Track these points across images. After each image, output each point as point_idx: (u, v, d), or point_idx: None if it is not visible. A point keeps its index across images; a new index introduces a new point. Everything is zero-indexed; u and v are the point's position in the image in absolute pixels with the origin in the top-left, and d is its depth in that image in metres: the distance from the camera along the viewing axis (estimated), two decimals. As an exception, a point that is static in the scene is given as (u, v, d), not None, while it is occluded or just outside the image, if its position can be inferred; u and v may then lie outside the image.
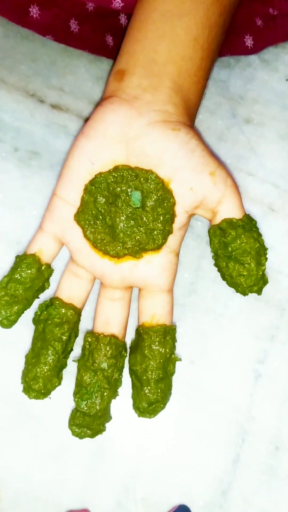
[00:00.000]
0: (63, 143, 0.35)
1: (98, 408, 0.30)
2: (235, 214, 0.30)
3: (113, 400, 0.31)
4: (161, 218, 0.30)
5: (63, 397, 0.32)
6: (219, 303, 0.34)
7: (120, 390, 0.31)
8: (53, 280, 0.32)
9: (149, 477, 0.33)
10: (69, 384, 0.31)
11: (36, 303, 0.32)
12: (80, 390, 0.30)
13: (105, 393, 0.30)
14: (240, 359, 0.34)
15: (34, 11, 0.32)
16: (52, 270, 0.32)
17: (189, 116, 0.31)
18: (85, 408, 0.30)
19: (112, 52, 0.36)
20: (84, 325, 0.33)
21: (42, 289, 0.31)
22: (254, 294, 0.34)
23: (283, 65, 0.37)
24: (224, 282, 0.31)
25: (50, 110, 0.36)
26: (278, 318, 0.34)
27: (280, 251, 0.35)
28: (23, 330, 0.32)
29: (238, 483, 0.33)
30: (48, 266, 0.31)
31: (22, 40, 0.37)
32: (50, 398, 0.30)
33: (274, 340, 0.34)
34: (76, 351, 0.32)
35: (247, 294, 0.30)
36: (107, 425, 0.31)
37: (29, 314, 0.32)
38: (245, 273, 0.29)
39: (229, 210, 0.30)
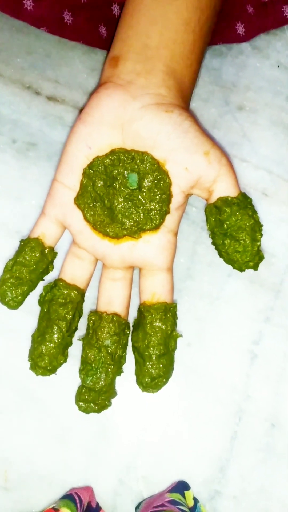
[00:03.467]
0: (59, 134, 0.36)
1: (103, 383, 0.30)
2: (231, 192, 0.30)
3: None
4: (158, 198, 0.30)
5: (66, 381, 0.32)
6: (215, 287, 0.35)
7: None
8: (57, 263, 0.33)
9: (149, 456, 0.33)
10: (71, 369, 0.32)
11: (41, 285, 0.32)
12: (85, 366, 0.31)
13: (109, 369, 0.31)
14: (236, 341, 0.34)
15: (28, 3, 0.33)
16: (56, 253, 0.32)
17: (183, 99, 0.31)
18: (91, 384, 0.30)
19: (106, 43, 0.36)
20: (88, 308, 0.34)
21: (46, 271, 0.32)
22: (250, 277, 0.35)
23: (275, 51, 0.37)
24: (221, 266, 0.32)
25: (46, 102, 0.36)
26: (273, 300, 0.35)
27: (273, 235, 0.35)
28: (25, 317, 0.33)
29: (236, 460, 0.33)
30: (51, 249, 0.32)
31: (17, 33, 0.37)
32: (56, 374, 0.31)
33: (269, 321, 0.35)
34: (81, 331, 0.33)
35: (244, 270, 0.30)
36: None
37: (31, 301, 0.32)
38: (240, 249, 0.29)
39: (224, 189, 0.30)
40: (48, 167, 0.35)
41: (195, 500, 0.32)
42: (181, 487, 0.32)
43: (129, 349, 0.32)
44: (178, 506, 0.29)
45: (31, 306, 0.32)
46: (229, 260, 0.30)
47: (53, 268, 0.32)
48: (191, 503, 0.31)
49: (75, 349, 0.32)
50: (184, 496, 0.31)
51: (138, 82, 0.30)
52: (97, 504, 0.32)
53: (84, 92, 0.36)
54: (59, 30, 0.35)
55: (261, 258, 0.30)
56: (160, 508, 0.29)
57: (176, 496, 0.30)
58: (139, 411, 0.34)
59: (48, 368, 0.31)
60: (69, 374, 0.32)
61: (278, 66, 0.37)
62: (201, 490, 0.33)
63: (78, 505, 0.30)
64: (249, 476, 0.33)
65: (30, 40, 0.37)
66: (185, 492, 0.31)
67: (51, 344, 0.31)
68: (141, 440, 0.34)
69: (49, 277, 0.33)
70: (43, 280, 0.32)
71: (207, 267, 0.35)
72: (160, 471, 0.33)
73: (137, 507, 0.32)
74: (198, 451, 0.33)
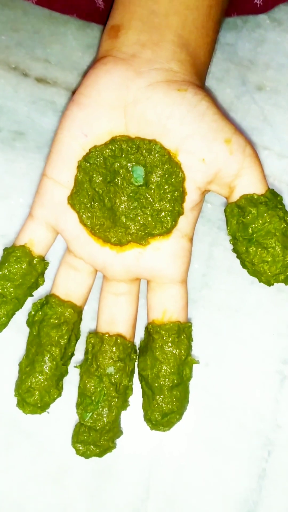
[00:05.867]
0: (51, 121, 0.34)
1: (105, 420, 0.28)
2: (256, 189, 0.27)
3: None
4: (169, 196, 0.28)
5: (62, 411, 0.29)
6: (235, 296, 0.32)
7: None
8: (49, 275, 0.30)
9: (162, 499, 0.30)
10: (69, 395, 0.29)
11: (29, 302, 0.30)
12: (84, 400, 0.28)
13: (113, 403, 0.28)
14: (262, 360, 0.31)
15: None
16: (47, 263, 0.30)
17: (197, 75, 0.29)
18: (91, 421, 0.28)
19: (103, 16, 0.33)
20: (87, 325, 0.31)
21: (36, 285, 0.30)
22: (276, 285, 0.31)
23: (297, 24, 0.35)
24: (242, 272, 0.29)
25: (35, 84, 0.34)
26: (304, 312, 0.32)
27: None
28: (16, 336, 0.30)
29: (266, 503, 0.30)
30: (41, 258, 0.29)
31: (2, 8, 0.35)
32: (48, 412, 0.28)
33: (300, 336, 0.32)
34: (78, 356, 0.30)
35: (273, 284, 0.27)
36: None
37: (22, 318, 0.29)
38: (269, 259, 0.27)
39: (249, 185, 0.27)
40: (38, 160, 0.33)
41: None
42: None
43: (135, 375, 0.29)
44: None
45: (22, 323, 0.30)
46: (254, 272, 0.27)
47: (43, 281, 0.30)
48: None
49: (73, 374, 0.29)
50: None
51: (144, 55, 0.28)
52: None
53: (79, 72, 0.34)
54: (49, 2, 0.33)
55: None
56: None
57: None
58: (149, 445, 0.31)
59: (39, 405, 0.28)
60: (66, 403, 0.29)
61: (302, 41, 0.35)
62: (225, 540, 0.29)
63: None
64: (282, 522, 0.30)
65: (17, 15, 0.35)
66: None
67: (42, 376, 0.28)
68: (152, 480, 0.31)
69: (40, 292, 0.30)
70: (32, 296, 0.30)
71: (226, 274, 0.32)
72: (176, 517, 0.30)
73: None
74: (220, 492, 0.30)
